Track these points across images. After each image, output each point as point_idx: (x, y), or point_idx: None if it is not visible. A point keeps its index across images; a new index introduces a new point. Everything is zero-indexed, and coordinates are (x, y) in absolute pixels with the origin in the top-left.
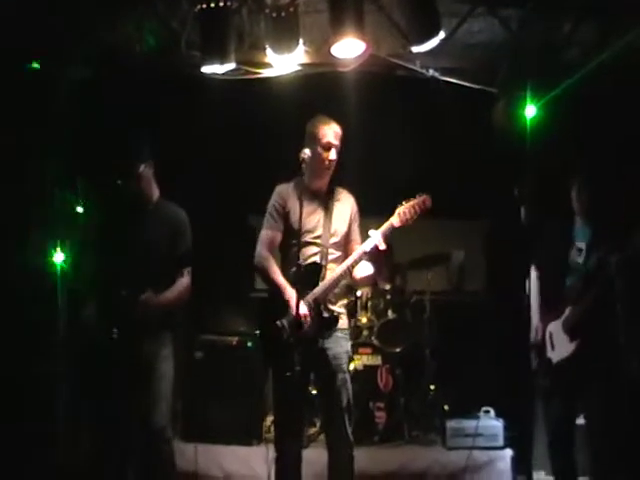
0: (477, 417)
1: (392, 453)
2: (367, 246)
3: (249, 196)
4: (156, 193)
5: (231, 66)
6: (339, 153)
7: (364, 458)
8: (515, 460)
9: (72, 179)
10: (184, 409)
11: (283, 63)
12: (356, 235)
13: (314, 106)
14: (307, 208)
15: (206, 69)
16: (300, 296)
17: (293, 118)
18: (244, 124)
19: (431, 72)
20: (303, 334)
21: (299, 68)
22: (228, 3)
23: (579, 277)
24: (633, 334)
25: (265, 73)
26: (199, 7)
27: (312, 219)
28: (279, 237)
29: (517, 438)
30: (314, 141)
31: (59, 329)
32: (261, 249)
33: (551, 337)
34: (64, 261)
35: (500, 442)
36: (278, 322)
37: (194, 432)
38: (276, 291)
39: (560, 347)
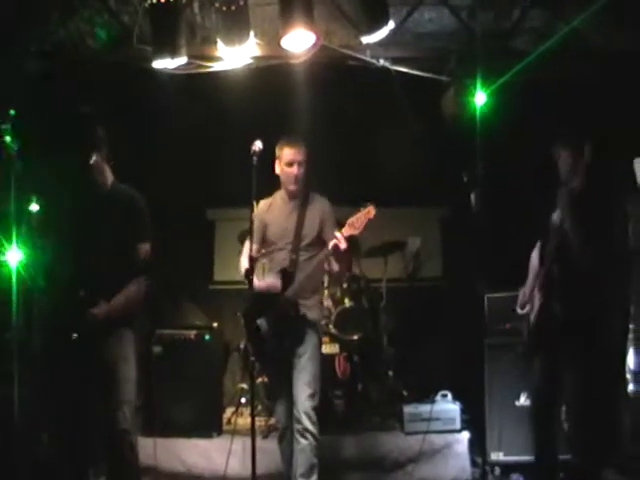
0: (434, 401)
1: (351, 440)
2: (329, 247)
3: (207, 190)
4: (110, 178)
5: (183, 60)
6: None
7: (324, 446)
8: (472, 442)
9: (26, 173)
10: (143, 404)
11: (235, 56)
12: (330, 235)
13: (267, 98)
14: (282, 218)
15: (157, 63)
16: (274, 299)
17: (247, 111)
18: (198, 118)
19: (382, 62)
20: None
21: (251, 61)
22: None
23: (554, 237)
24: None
25: (217, 67)
26: (150, 1)
27: (285, 227)
28: (256, 247)
29: (474, 421)
30: (280, 160)
31: (14, 329)
32: (242, 259)
33: (532, 299)
34: (19, 260)
35: (457, 425)
36: (257, 321)
37: (154, 426)
38: (258, 294)
39: (533, 305)
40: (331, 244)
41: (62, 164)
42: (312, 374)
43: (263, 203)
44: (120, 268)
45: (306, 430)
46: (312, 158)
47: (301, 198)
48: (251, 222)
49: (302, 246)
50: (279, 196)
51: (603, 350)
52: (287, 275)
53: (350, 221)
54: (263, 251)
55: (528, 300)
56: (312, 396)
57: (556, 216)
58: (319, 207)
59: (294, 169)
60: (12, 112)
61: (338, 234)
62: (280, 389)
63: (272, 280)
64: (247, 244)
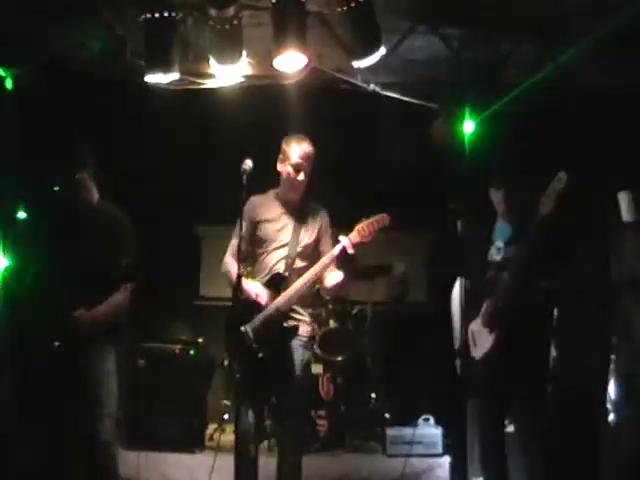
0: (416, 425)
1: (333, 461)
2: (335, 250)
3: (193, 205)
4: (95, 197)
5: (175, 76)
6: (311, 171)
7: (306, 466)
8: (453, 467)
9: (13, 183)
10: (126, 417)
11: (226, 74)
12: (327, 246)
13: (257, 117)
14: (278, 220)
15: (150, 78)
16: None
17: (237, 129)
18: (188, 134)
19: (372, 87)
20: (264, 341)
21: (242, 80)
22: (173, 13)
23: (494, 270)
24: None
25: (209, 84)
26: (144, 16)
27: (282, 230)
28: (244, 246)
29: (455, 445)
30: (286, 159)
31: None
32: (227, 257)
33: (473, 336)
34: (5, 268)
35: (439, 449)
36: (242, 328)
37: (137, 440)
38: (240, 297)
39: (481, 343)
40: (338, 248)
41: (48, 179)
42: (303, 397)
43: (255, 200)
44: (103, 281)
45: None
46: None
47: (300, 202)
48: (240, 219)
49: (299, 251)
50: (274, 196)
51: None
52: (280, 280)
53: (359, 227)
54: (262, 251)
55: (466, 340)
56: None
57: (494, 252)
58: (319, 215)
59: (300, 175)
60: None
61: (345, 238)
62: (252, 402)
63: (259, 289)
64: (234, 242)
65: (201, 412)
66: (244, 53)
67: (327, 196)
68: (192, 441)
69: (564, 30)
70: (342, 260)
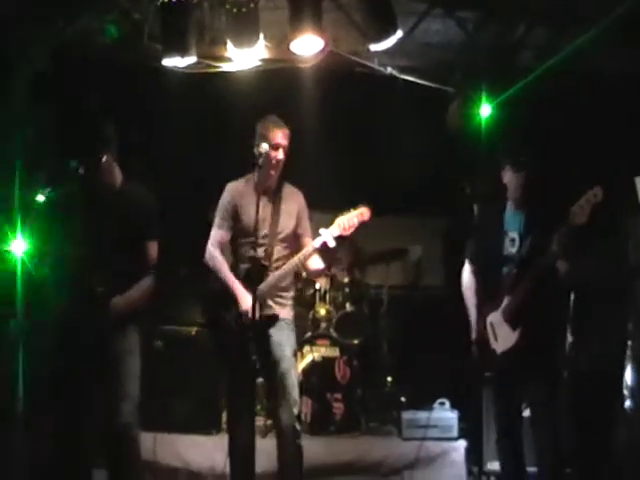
0: (432, 409)
1: (349, 444)
2: (317, 243)
3: (208, 190)
4: (119, 179)
5: (192, 60)
6: (288, 152)
7: (321, 449)
8: (469, 451)
9: (35, 168)
10: (143, 398)
11: (243, 58)
12: (305, 230)
13: (273, 100)
14: (255, 206)
15: (167, 62)
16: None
17: (252, 112)
18: (203, 118)
19: (389, 70)
20: (246, 327)
21: (259, 63)
22: None
23: (514, 266)
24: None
25: (225, 67)
26: (160, 0)
27: (260, 218)
28: (228, 235)
29: (471, 429)
30: (264, 141)
31: (19, 322)
32: (210, 246)
33: (493, 328)
34: (25, 251)
35: (454, 433)
36: (225, 315)
37: (153, 421)
38: (224, 286)
39: (503, 338)
40: (319, 241)
41: (71, 162)
42: (294, 378)
43: (232, 186)
44: (131, 265)
45: (295, 430)
46: (314, 160)
47: (276, 187)
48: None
49: (278, 239)
50: (251, 181)
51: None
52: (261, 269)
53: (339, 221)
54: (242, 240)
55: (484, 331)
56: (296, 403)
57: (509, 244)
58: (296, 199)
59: (279, 153)
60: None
61: (327, 231)
62: (241, 390)
63: (238, 287)
64: (215, 230)
65: (217, 394)
66: (261, 36)
67: (340, 179)
68: (208, 422)
69: (579, 13)
70: (322, 251)
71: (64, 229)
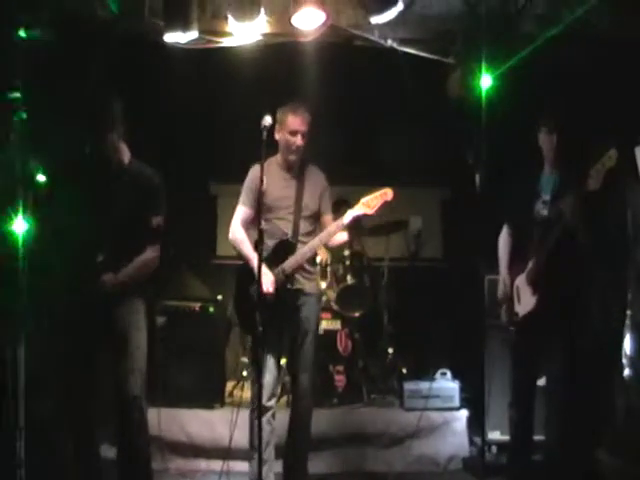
0: (433, 379)
1: (351, 415)
2: (346, 219)
3: (210, 165)
4: (127, 156)
5: (194, 35)
6: (308, 135)
7: (323, 420)
8: (470, 420)
9: (37, 145)
10: (147, 373)
11: (244, 32)
12: (327, 208)
13: (275, 75)
14: (280, 184)
15: (169, 37)
16: (271, 269)
17: (254, 86)
18: (205, 92)
19: (389, 42)
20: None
21: (260, 38)
22: None
23: (542, 228)
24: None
25: (227, 42)
26: None
27: (284, 195)
28: (252, 213)
29: (472, 399)
30: (283, 127)
31: (22, 296)
32: (234, 223)
33: (518, 291)
34: (27, 230)
35: (456, 403)
36: (250, 290)
37: (157, 396)
38: (248, 263)
39: (525, 301)
40: (348, 217)
41: (76, 140)
42: (314, 353)
43: (257, 168)
44: (134, 237)
45: (310, 389)
46: (315, 133)
47: (298, 168)
48: (261, 187)
49: (303, 216)
50: (275, 162)
51: (597, 336)
52: (288, 246)
53: (365, 200)
54: (267, 217)
55: (510, 291)
56: (311, 377)
57: (541, 206)
58: (318, 180)
59: (297, 139)
60: (21, 81)
61: (355, 210)
62: (269, 361)
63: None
64: (240, 208)
65: (220, 368)
66: (262, 10)
67: (339, 151)
68: (211, 397)
69: None
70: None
71: (70, 207)
